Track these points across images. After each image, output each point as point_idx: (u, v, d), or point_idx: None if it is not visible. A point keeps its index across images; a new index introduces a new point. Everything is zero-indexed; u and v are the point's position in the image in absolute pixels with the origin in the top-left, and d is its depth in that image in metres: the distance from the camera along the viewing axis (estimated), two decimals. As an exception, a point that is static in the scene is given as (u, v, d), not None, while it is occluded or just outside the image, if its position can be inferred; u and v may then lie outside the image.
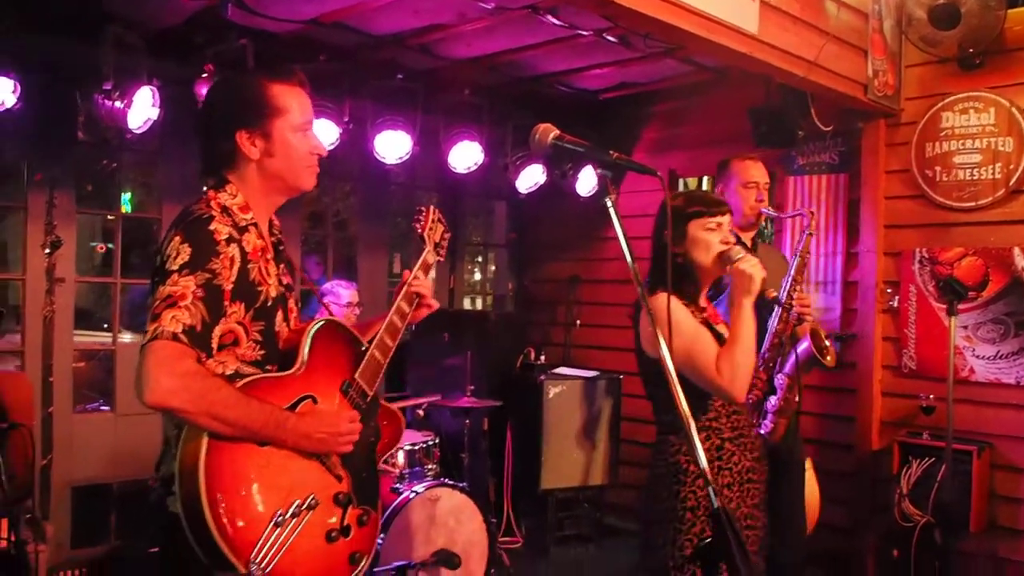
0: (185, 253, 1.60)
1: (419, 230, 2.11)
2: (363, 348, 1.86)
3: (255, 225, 1.76)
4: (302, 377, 1.72)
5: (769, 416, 2.85)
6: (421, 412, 3.95)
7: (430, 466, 3.57)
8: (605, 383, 4.49)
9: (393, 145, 3.96)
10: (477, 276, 6.21)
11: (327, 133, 3.57)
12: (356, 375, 1.82)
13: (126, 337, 4.48)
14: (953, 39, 3.81)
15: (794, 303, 2.89)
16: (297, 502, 1.63)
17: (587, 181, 4.75)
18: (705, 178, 5.13)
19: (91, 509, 3.94)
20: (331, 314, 1.92)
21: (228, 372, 1.67)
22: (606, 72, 4.28)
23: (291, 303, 1.84)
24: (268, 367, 1.73)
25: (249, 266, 1.69)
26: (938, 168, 3.91)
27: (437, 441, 3.67)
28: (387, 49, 3.75)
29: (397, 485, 3.35)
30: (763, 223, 3.39)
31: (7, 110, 3.03)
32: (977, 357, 3.70)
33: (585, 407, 4.40)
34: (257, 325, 1.71)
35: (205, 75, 3.36)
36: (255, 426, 1.59)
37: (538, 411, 4.26)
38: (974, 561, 3.58)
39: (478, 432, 4.23)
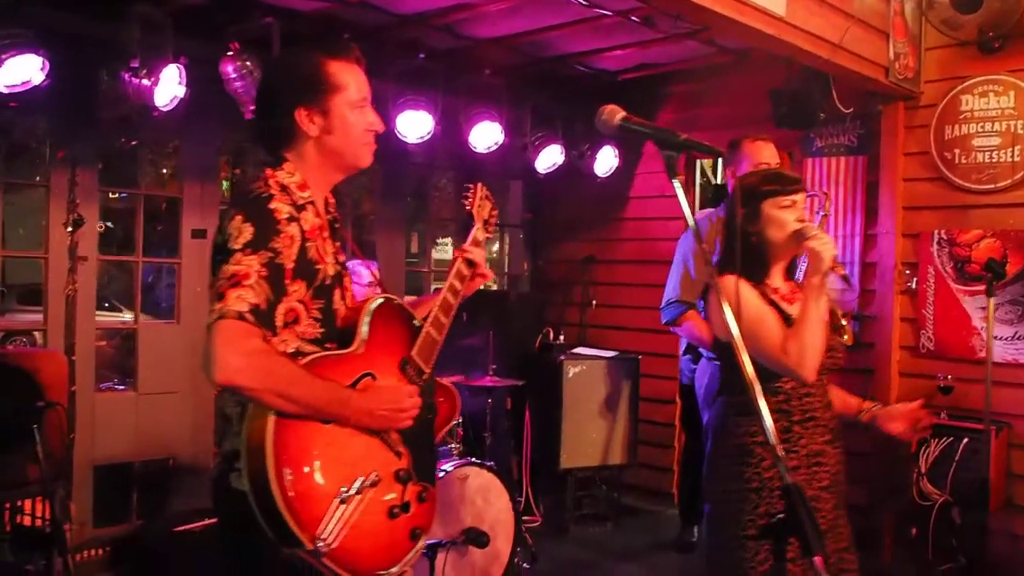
0: (248, 232, 1.60)
1: (468, 207, 2.11)
2: (418, 325, 1.87)
3: (312, 203, 1.76)
4: (362, 355, 1.72)
5: None
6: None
7: (454, 445, 3.59)
8: (624, 363, 4.52)
9: (414, 124, 3.96)
10: (493, 256, 6.21)
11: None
12: (413, 352, 1.83)
13: (126, 316, 4.47)
14: (974, 23, 3.82)
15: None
16: (361, 479, 1.65)
17: (605, 161, 4.75)
18: (720, 160, 5.14)
19: (113, 488, 3.95)
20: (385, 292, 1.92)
21: (289, 350, 1.66)
22: (626, 53, 4.27)
23: (346, 281, 1.84)
24: (327, 345, 1.73)
25: (308, 244, 1.69)
26: (957, 150, 3.93)
27: (460, 420, 3.69)
28: (410, 28, 3.73)
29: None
30: None
31: (34, 87, 3.00)
32: (995, 338, 3.74)
33: (604, 387, 4.43)
34: (317, 303, 1.71)
35: (230, 53, 3.33)
36: (320, 403, 1.60)
37: (558, 391, 4.29)
38: (992, 539, 3.65)
39: (500, 411, 4.26)
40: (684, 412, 4.11)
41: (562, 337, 4.88)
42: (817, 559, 1.31)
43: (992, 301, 3.00)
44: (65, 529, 2.79)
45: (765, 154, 3.10)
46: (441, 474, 3.25)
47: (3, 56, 2.86)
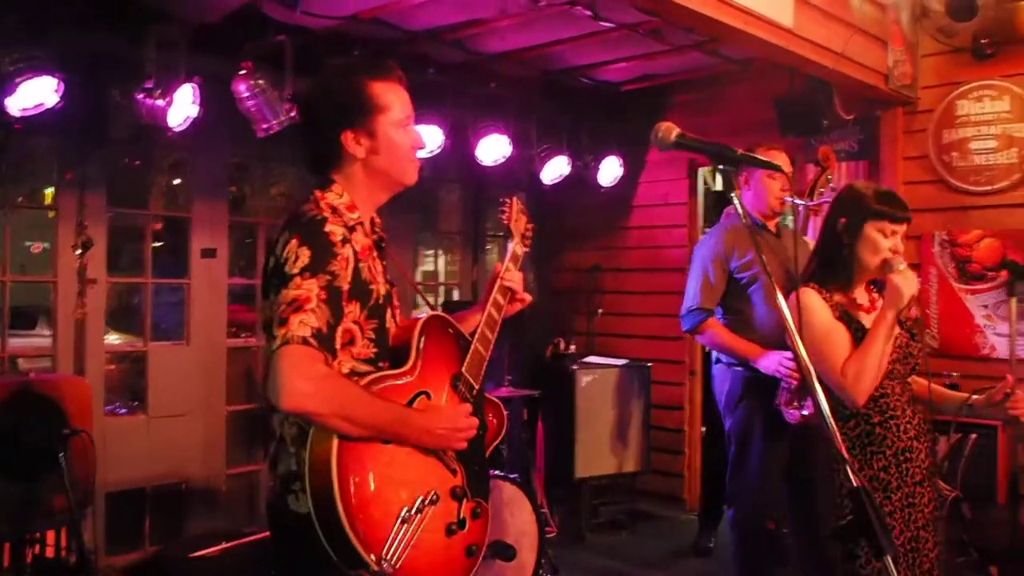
0: (305, 256, 1.60)
1: (505, 222, 2.12)
2: (467, 342, 1.88)
3: (361, 224, 1.77)
4: (416, 373, 1.74)
5: (810, 399, 2.91)
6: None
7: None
8: (635, 371, 4.55)
9: (424, 139, 3.96)
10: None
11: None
12: (463, 369, 1.84)
13: (113, 338, 4.40)
14: (969, 30, 3.93)
15: None
16: (421, 498, 1.65)
17: (609, 171, 4.79)
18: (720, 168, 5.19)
19: (125, 514, 3.89)
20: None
21: (344, 371, 1.67)
22: (631, 65, 4.32)
23: (395, 299, 1.86)
24: (380, 364, 1.74)
25: (360, 265, 1.70)
26: (955, 154, 4.03)
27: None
28: (421, 44, 3.75)
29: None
30: (786, 210, 3.44)
31: (47, 110, 2.97)
32: (997, 335, 3.85)
33: (616, 395, 4.46)
34: (371, 323, 1.72)
35: (243, 72, 3.33)
36: (381, 423, 1.61)
37: (571, 400, 4.30)
38: (1000, 531, 3.71)
39: (516, 422, 4.26)
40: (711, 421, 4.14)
41: (572, 347, 4.91)
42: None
43: (1014, 301, 3.08)
44: (95, 558, 2.74)
45: (778, 162, 3.14)
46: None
47: (18, 80, 2.84)
